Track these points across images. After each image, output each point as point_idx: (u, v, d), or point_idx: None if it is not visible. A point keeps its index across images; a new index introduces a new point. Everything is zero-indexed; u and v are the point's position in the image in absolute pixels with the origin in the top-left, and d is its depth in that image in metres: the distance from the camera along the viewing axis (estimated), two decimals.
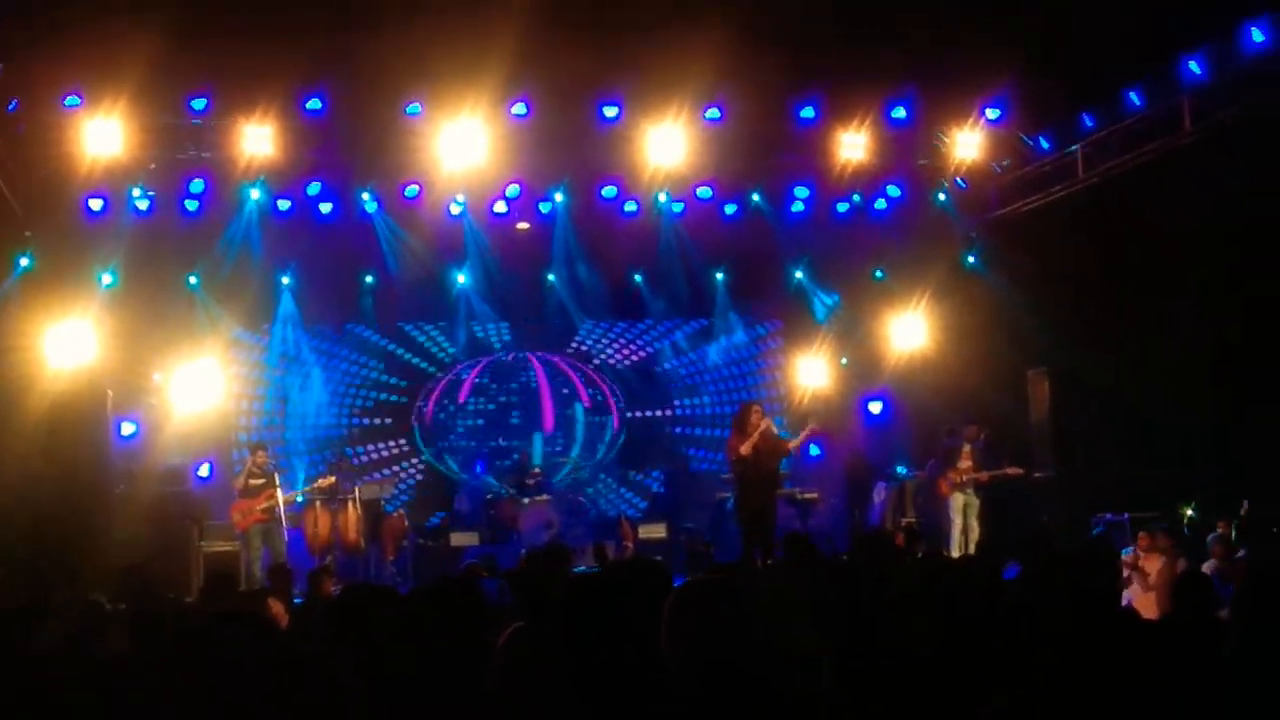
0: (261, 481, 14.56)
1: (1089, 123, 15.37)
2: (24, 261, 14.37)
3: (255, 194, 15.96)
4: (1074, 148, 15.57)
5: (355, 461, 18.01)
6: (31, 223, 14.44)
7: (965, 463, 15.11)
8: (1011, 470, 14.96)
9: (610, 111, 15.31)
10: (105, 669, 5.24)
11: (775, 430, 13.82)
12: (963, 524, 14.77)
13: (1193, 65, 13.63)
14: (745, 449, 13.34)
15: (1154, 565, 10.94)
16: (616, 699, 3.45)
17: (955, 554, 14.28)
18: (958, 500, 15.03)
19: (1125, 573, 10.97)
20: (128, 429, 15.47)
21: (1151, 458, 14.11)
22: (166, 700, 4.59)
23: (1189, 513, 13.04)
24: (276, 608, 8.02)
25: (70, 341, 14.14)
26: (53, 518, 12.71)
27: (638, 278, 19.35)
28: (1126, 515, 13.23)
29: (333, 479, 15.84)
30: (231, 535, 14.56)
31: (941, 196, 17.42)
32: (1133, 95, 14.60)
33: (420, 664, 3.62)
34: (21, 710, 4.61)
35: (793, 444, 13.96)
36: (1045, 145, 16.24)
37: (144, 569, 8.25)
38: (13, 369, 13.58)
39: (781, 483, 14.27)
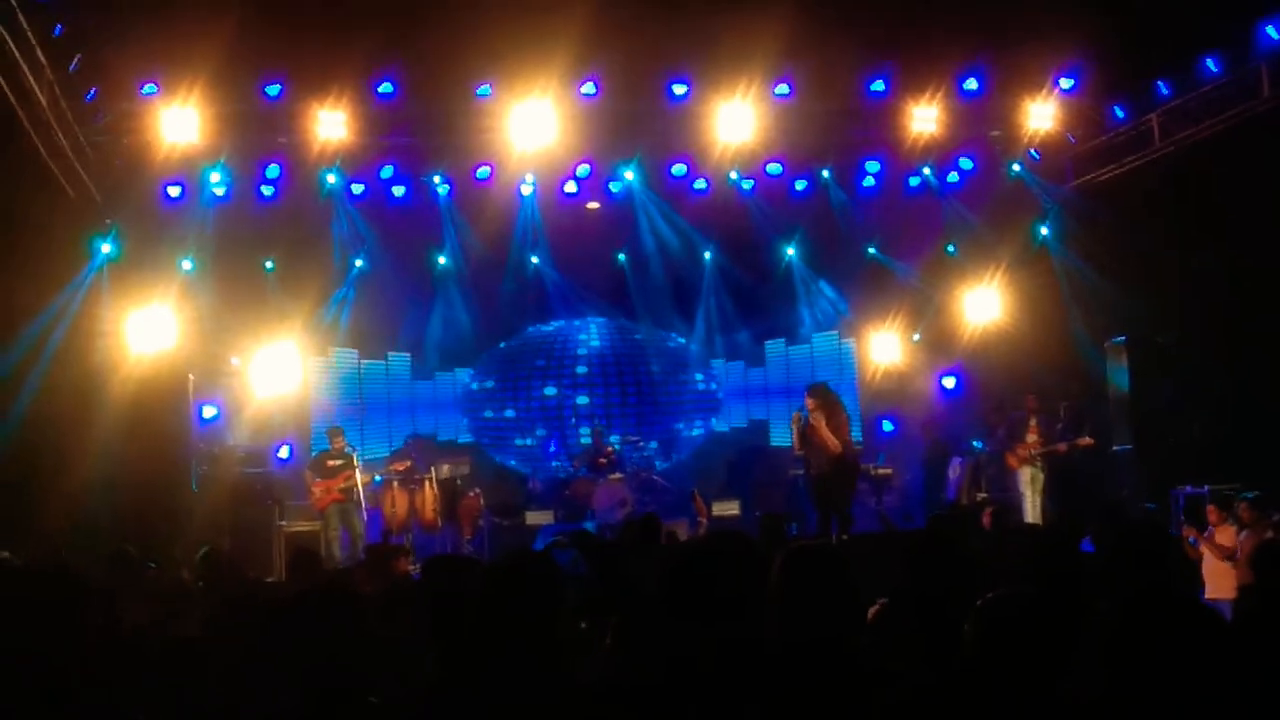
0: (339, 463, 14.80)
1: (1165, 91, 15.12)
2: (106, 248, 14.61)
3: (331, 178, 16.13)
4: (1149, 116, 15.36)
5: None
6: (112, 210, 14.68)
7: (1032, 436, 15.11)
8: (1083, 441, 14.89)
9: (679, 89, 15.27)
10: (190, 646, 5.36)
11: (803, 424, 13.56)
12: (1033, 497, 14.82)
13: (1270, 30, 13.39)
14: (796, 447, 13.61)
15: (1227, 537, 10.80)
16: (722, 673, 3.48)
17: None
18: (1026, 474, 15.05)
19: (1199, 544, 10.85)
20: (209, 412, 15.71)
21: (1234, 430, 13.90)
22: (250, 675, 4.69)
23: None
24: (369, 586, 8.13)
25: (152, 327, 14.39)
26: (137, 500, 12.98)
27: (707, 255, 19.39)
28: (1206, 488, 13.05)
29: (409, 461, 16.03)
30: (312, 516, 14.79)
31: (1016, 168, 17.21)
32: (1209, 62, 14.36)
33: (498, 635, 3.68)
34: (110, 687, 4.71)
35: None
36: (1120, 114, 16.01)
37: (223, 550, 8.40)
38: (97, 355, 13.86)
39: (854, 459, 14.11)
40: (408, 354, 18.89)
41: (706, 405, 20.22)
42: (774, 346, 19.93)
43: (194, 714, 4.95)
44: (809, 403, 13.35)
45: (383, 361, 18.67)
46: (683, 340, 20.13)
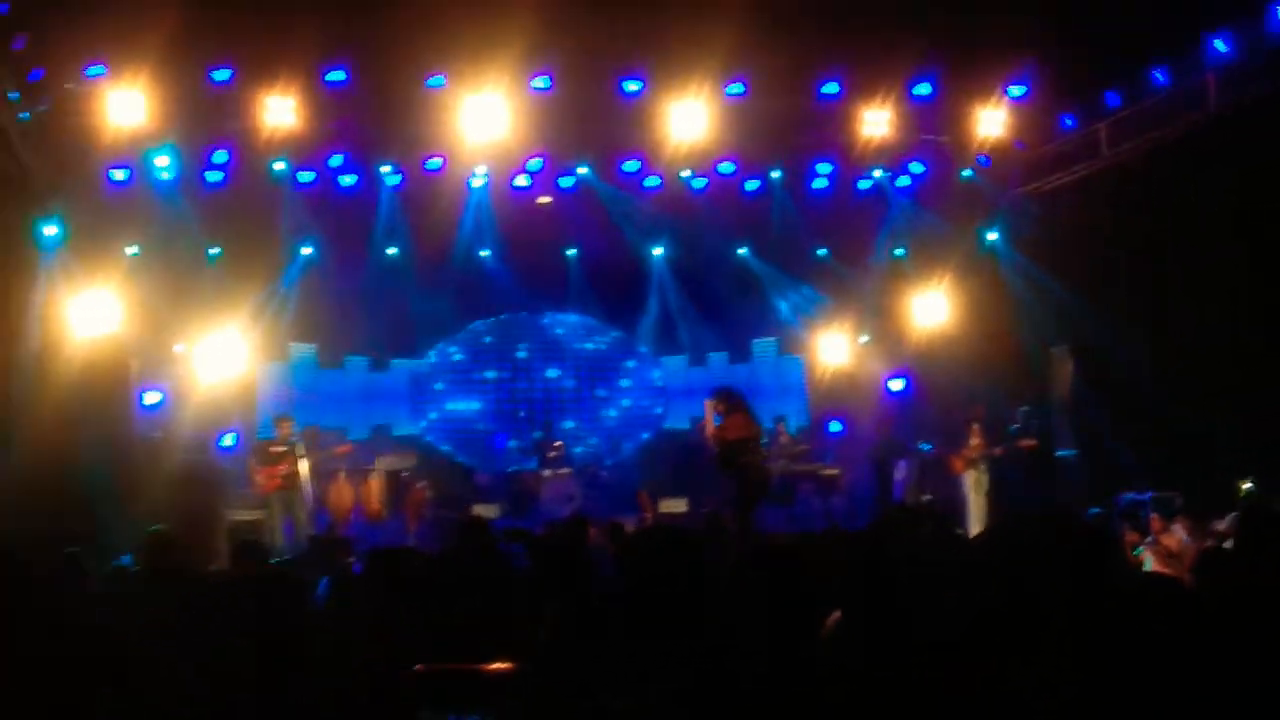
0: (283, 449, 14.66)
1: (1113, 101, 15.29)
2: (50, 231, 14.40)
3: (279, 166, 15.97)
4: (1097, 125, 15.51)
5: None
6: (56, 193, 14.45)
7: (975, 440, 15.29)
8: (1025, 443, 15.12)
9: (633, 86, 15.22)
10: (131, 630, 5.30)
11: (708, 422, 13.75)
12: (977, 499, 15.00)
13: (1219, 44, 13.57)
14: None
15: (1173, 542, 10.93)
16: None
17: (975, 530, 14.39)
18: (970, 477, 15.22)
19: (1141, 551, 10.96)
20: (152, 398, 15.53)
21: (1178, 436, 14.04)
22: (193, 660, 4.64)
23: (1246, 486, 12.90)
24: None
25: (95, 311, 14.19)
26: (78, 487, 12.79)
27: (657, 253, 19.42)
28: (1149, 494, 13.19)
29: (349, 446, 15.94)
30: (256, 504, 14.65)
31: (966, 173, 17.30)
32: (1157, 73, 14.54)
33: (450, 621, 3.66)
34: (50, 671, 4.65)
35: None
36: (1069, 123, 16.16)
37: (169, 534, 8.29)
38: (40, 340, 13.65)
39: (749, 454, 14.09)
40: (357, 348, 18.87)
41: (652, 401, 20.30)
42: (763, 346, 20.10)
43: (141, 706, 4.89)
44: (717, 406, 13.48)
45: (332, 359, 18.67)
46: (617, 334, 20.21)
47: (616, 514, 15.01)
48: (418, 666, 3.67)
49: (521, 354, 19.98)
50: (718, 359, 20.16)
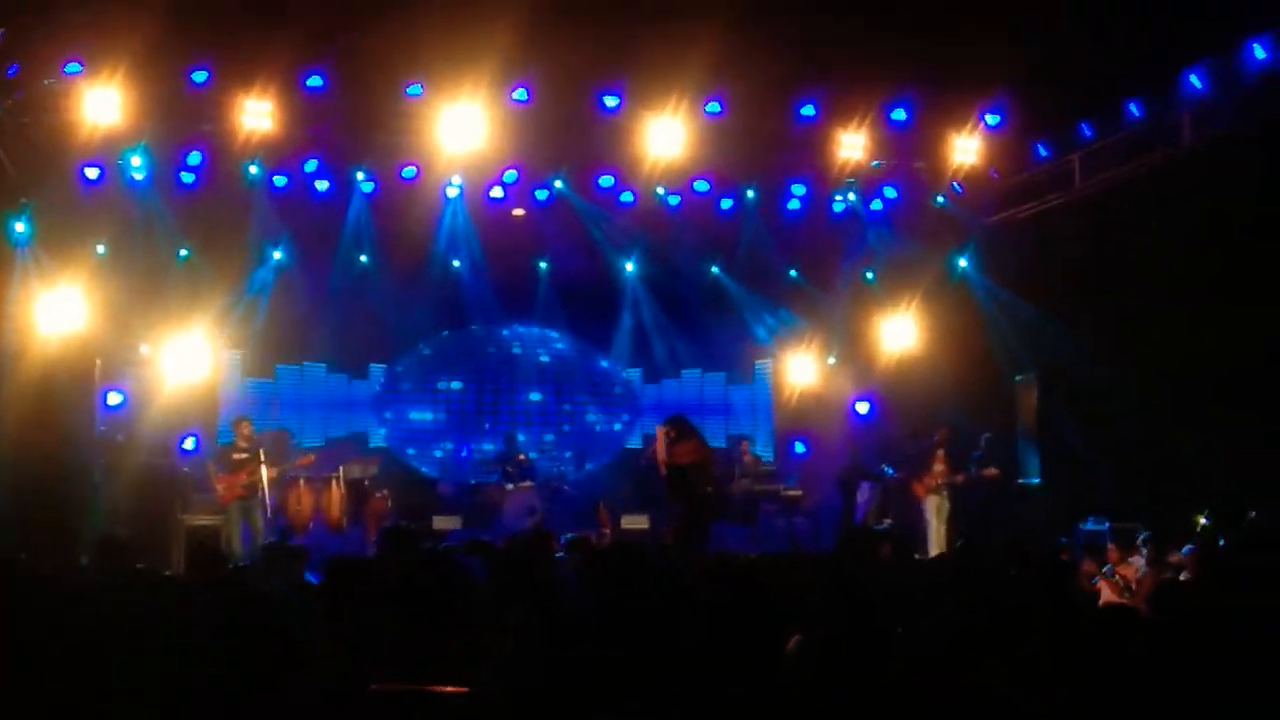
0: (244, 456, 14.51)
1: (1088, 132, 15.38)
2: (19, 227, 14.30)
3: (254, 169, 15.90)
4: (1071, 156, 15.60)
5: None
6: (28, 189, 14.36)
7: (939, 466, 15.34)
8: (989, 472, 15.17)
9: (611, 101, 15.24)
10: (86, 632, 5.24)
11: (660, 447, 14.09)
12: (938, 526, 15.05)
13: (1194, 79, 13.68)
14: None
15: (1130, 573, 10.96)
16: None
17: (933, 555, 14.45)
18: (932, 502, 15.27)
19: (1097, 581, 10.99)
20: (115, 399, 15.41)
21: (1141, 467, 14.11)
22: (144, 663, 4.60)
23: (1202, 520, 12.97)
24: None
25: (61, 309, 14.08)
26: (36, 486, 12.69)
27: (630, 268, 19.42)
28: (1108, 524, 13.25)
29: (311, 456, 15.85)
30: (215, 509, 14.52)
31: (940, 200, 17.34)
32: (1132, 107, 14.64)
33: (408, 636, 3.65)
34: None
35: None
36: (1043, 153, 16.25)
37: (120, 537, 8.22)
38: (5, 335, 13.54)
39: (699, 478, 14.20)
40: (320, 354, 18.79)
41: (613, 416, 20.33)
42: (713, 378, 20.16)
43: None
44: (668, 433, 13.73)
45: (295, 363, 18.58)
46: (581, 348, 20.22)
47: (578, 529, 14.98)
48: (374, 687, 3.64)
49: (482, 365, 19.90)
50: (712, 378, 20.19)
